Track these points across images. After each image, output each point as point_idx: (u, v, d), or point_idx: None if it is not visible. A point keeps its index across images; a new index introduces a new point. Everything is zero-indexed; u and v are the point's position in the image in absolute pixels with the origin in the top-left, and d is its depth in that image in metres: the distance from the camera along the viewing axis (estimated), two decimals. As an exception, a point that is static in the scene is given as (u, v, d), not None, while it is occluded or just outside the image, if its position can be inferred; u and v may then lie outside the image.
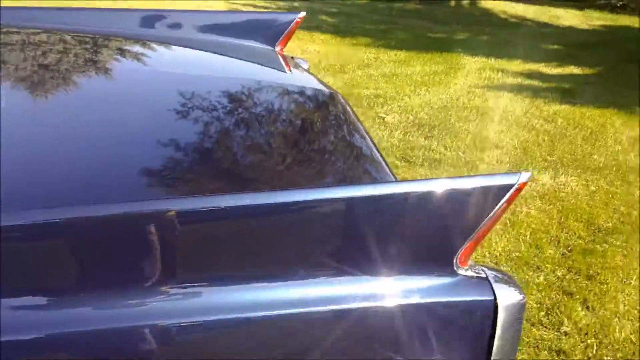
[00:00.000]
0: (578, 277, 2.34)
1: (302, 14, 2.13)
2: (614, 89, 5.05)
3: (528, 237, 2.59)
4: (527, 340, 1.98)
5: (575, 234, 2.64)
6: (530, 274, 2.34)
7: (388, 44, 6.52)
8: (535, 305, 2.15)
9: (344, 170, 1.18)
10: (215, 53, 1.94)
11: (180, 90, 1.42)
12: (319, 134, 1.35)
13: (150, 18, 2.15)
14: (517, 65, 5.69)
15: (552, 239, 2.60)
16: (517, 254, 2.46)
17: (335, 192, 0.92)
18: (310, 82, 1.72)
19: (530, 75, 5.34)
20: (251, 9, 8.25)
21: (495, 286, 0.97)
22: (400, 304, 0.92)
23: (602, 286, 2.28)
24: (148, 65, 1.63)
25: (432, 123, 3.94)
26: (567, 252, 2.51)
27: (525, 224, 2.69)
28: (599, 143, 3.76)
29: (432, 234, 0.95)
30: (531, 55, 6.08)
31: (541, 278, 2.32)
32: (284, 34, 2.12)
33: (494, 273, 1.01)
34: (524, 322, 2.06)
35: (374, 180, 1.18)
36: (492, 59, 5.87)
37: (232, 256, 0.87)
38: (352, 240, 0.92)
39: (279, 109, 1.45)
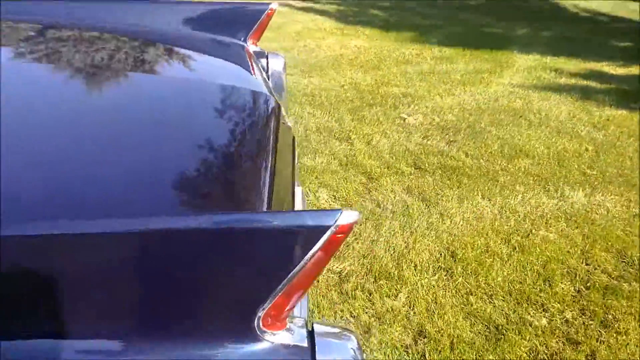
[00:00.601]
0: (591, 322, 1.90)
1: (274, 5, 1.91)
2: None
3: (538, 266, 2.17)
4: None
5: (599, 266, 2.19)
6: (532, 312, 1.94)
7: (435, 39, 6.08)
8: (525, 355, 1.76)
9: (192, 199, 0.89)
10: (175, 46, 1.74)
11: (94, 90, 1.21)
12: (206, 152, 1.06)
13: (113, 8, 1.98)
14: (575, 64, 5.08)
15: (569, 271, 2.16)
16: (519, 286, 2.06)
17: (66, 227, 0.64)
18: (251, 87, 1.43)
19: (587, 75, 4.73)
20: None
21: (321, 355, 0.68)
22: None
23: (619, 337, 1.84)
24: (91, 62, 1.43)
25: (458, 126, 3.54)
26: (583, 289, 2.07)
27: (538, 250, 2.26)
28: (656, 156, 3.19)
29: (221, 287, 0.68)
30: (594, 53, 5.42)
31: (543, 320, 1.91)
32: (254, 27, 1.91)
33: (326, 337, 0.72)
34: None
35: (234, 209, 0.88)
36: (548, 57, 5.28)
37: None
38: (94, 299, 0.66)
39: (185, 117, 1.17)
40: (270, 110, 1.19)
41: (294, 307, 0.69)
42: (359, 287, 2.02)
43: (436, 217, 2.50)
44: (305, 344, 0.69)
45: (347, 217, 0.64)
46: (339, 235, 0.64)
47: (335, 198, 2.60)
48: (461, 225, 2.45)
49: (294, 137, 1.32)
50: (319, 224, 0.64)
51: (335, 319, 1.88)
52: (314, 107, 3.74)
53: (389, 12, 7.87)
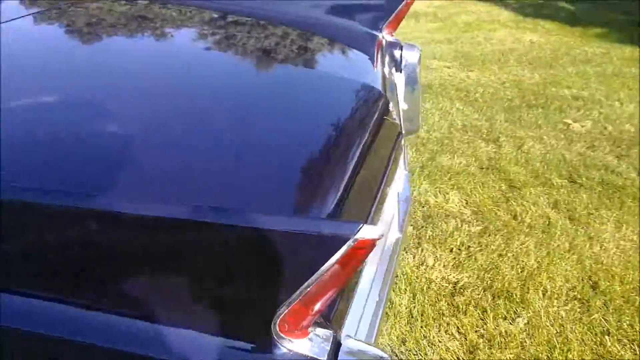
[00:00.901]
0: None
1: None
2: None
3: None
4: None
5: None
6: (686, 373, 1.59)
7: (629, 37, 5.28)
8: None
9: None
10: (304, 31, 1.76)
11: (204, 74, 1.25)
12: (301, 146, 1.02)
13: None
14: None
15: None
16: (674, 339, 1.70)
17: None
18: (361, 80, 1.37)
19: None
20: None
21: None
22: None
23: None
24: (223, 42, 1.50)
25: (635, 139, 3.04)
26: None
27: None
28: None
29: (235, 287, 0.66)
30: None
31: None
32: (390, 17, 1.85)
33: (353, 356, 0.66)
34: None
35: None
36: None
37: None
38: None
39: (279, 104, 1.16)
40: (371, 105, 1.12)
41: (316, 316, 0.65)
42: (473, 303, 1.86)
43: (583, 239, 2.18)
44: (324, 357, 0.64)
45: (368, 231, 0.58)
46: (360, 250, 0.59)
47: (466, 203, 2.42)
48: (613, 253, 2.10)
49: (399, 134, 1.24)
50: (337, 234, 0.59)
51: (439, 331, 1.76)
52: (465, 103, 3.52)
53: (578, 4, 7.04)
